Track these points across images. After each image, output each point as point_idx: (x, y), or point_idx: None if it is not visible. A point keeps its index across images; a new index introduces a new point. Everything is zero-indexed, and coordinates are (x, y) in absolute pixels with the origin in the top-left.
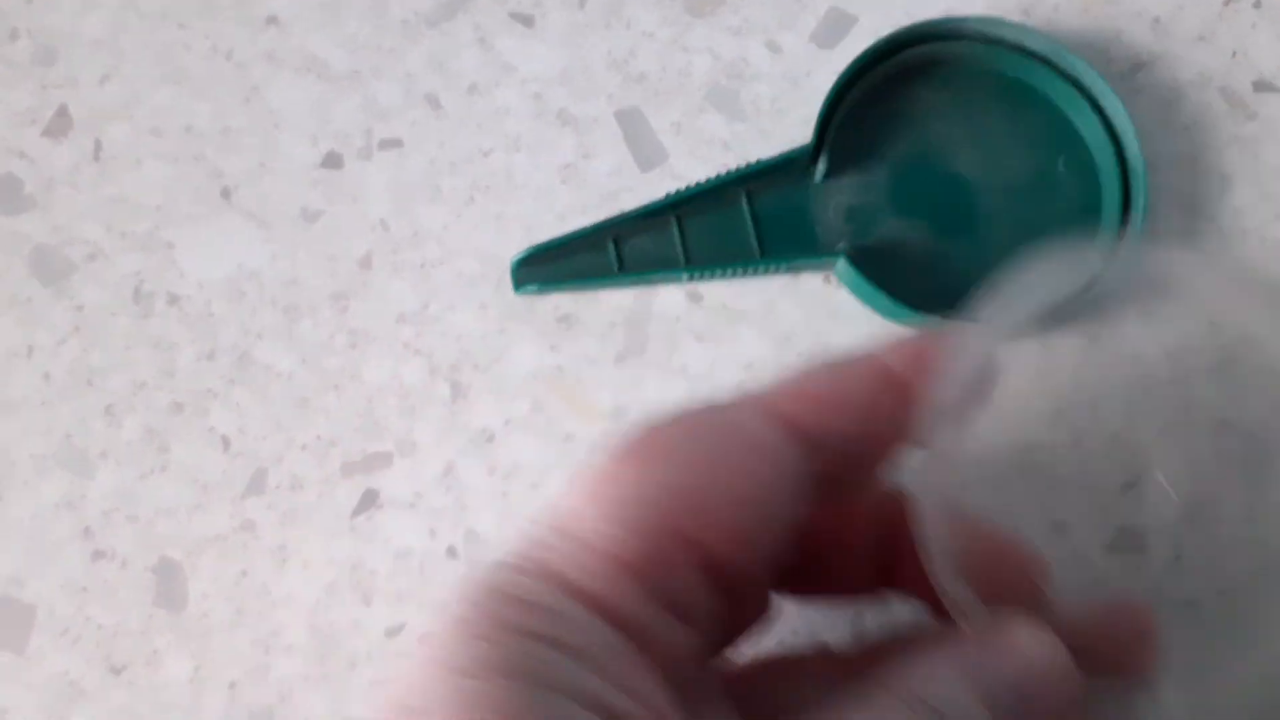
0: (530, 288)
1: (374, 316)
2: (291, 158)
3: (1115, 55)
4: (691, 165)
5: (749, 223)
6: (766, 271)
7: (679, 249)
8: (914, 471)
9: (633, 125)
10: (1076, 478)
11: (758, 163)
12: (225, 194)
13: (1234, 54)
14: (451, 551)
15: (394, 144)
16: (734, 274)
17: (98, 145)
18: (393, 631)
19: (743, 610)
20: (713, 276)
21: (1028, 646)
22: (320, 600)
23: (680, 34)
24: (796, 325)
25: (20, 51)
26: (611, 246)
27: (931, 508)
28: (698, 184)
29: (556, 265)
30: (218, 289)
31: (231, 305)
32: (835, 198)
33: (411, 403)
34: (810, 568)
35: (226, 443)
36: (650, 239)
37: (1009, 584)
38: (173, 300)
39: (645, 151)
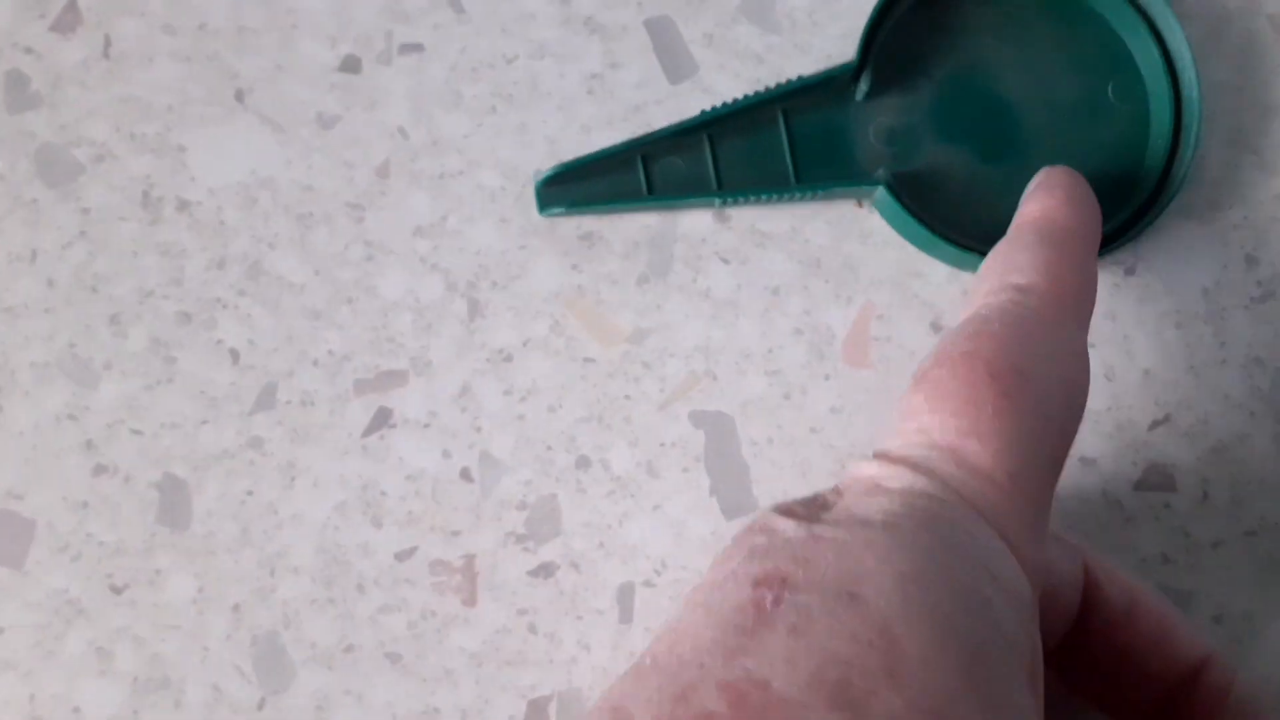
0: (556, 209)
1: (390, 228)
2: (308, 60)
3: None
4: (723, 79)
5: (785, 145)
6: (802, 198)
7: (711, 172)
8: None
9: (663, 35)
10: (1106, 412)
11: (797, 80)
12: (239, 96)
13: None
14: (465, 474)
15: (414, 48)
16: (768, 200)
17: (107, 41)
18: (402, 555)
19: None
20: (746, 202)
21: None
22: (329, 521)
23: None
24: (826, 249)
25: None
26: (640, 167)
27: None
28: (733, 101)
29: (583, 186)
30: (229, 195)
31: (243, 212)
32: (876, 119)
33: (428, 319)
34: (1103, 678)
35: (235, 356)
36: (681, 160)
37: None
38: (182, 206)
39: (675, 63)
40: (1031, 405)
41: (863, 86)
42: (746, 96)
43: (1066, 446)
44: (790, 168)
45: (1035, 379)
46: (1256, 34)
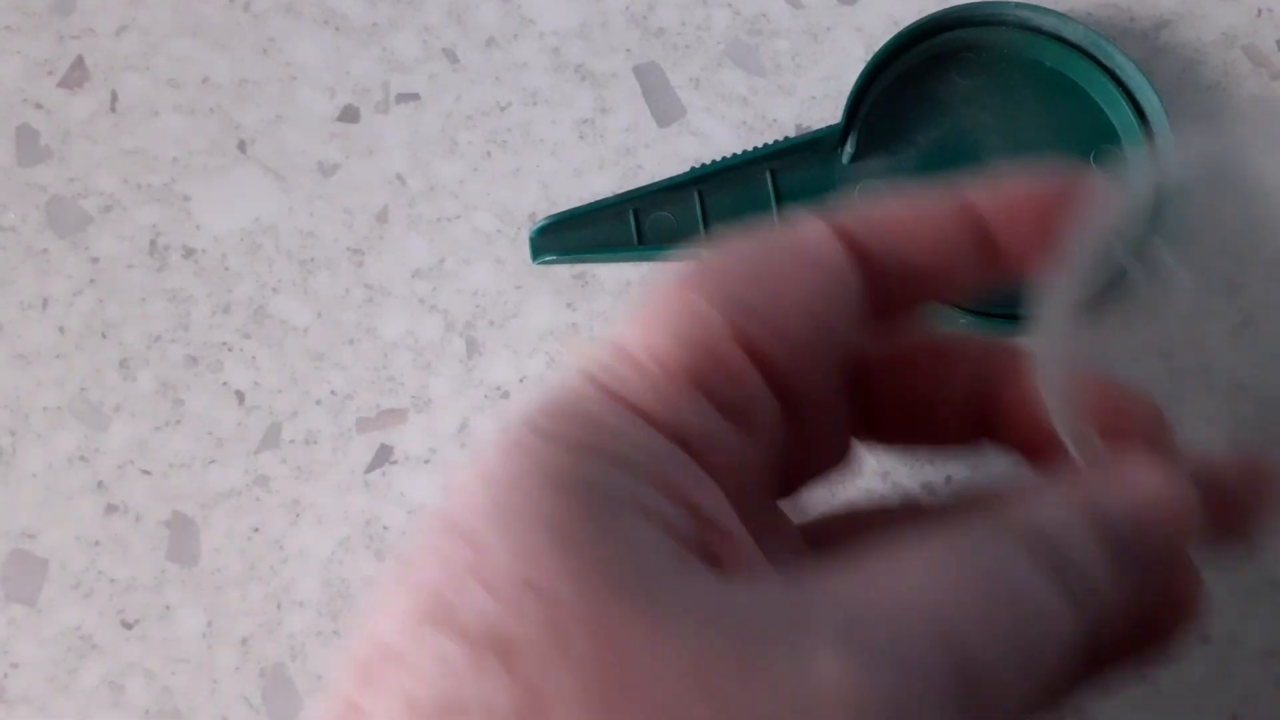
0: (548, 257)
1: (390, 271)
2: (308, 110)
3: (1139, 13)
4: (710, 121)
5: (772, 201)
6: None
7: (700, 224)
8: (1034, 316)
9: (651, 80)
10: None
11: (785, 140)
12: (242, 146)
13: (1259, 12)
14: None
15: (411, 98)
16: None
17: (114, 96)
18: None
19: (812, 439)
20: None
21: (1148, 478)
22: (333, 556)
23: None
24: None
25: (37, 1)
26: (632, 218)
27: (1050, 351)
28: (723, 159)
29: (575, 235)
30: (233, 242)
31: (247, 258)
32: (862, 180)
33: (427, 358)
34: (905, 418)
35: (241, 397)
36: (671, 212)
37: (1128, 432)
38: (188, 253)
39: (663, 107)
40: (703, 291)
41: (848, 149)
42: (736, 155)
43: (751, 326)
44: (777, 221)
45: (716, 270)
46: (1233, 65)
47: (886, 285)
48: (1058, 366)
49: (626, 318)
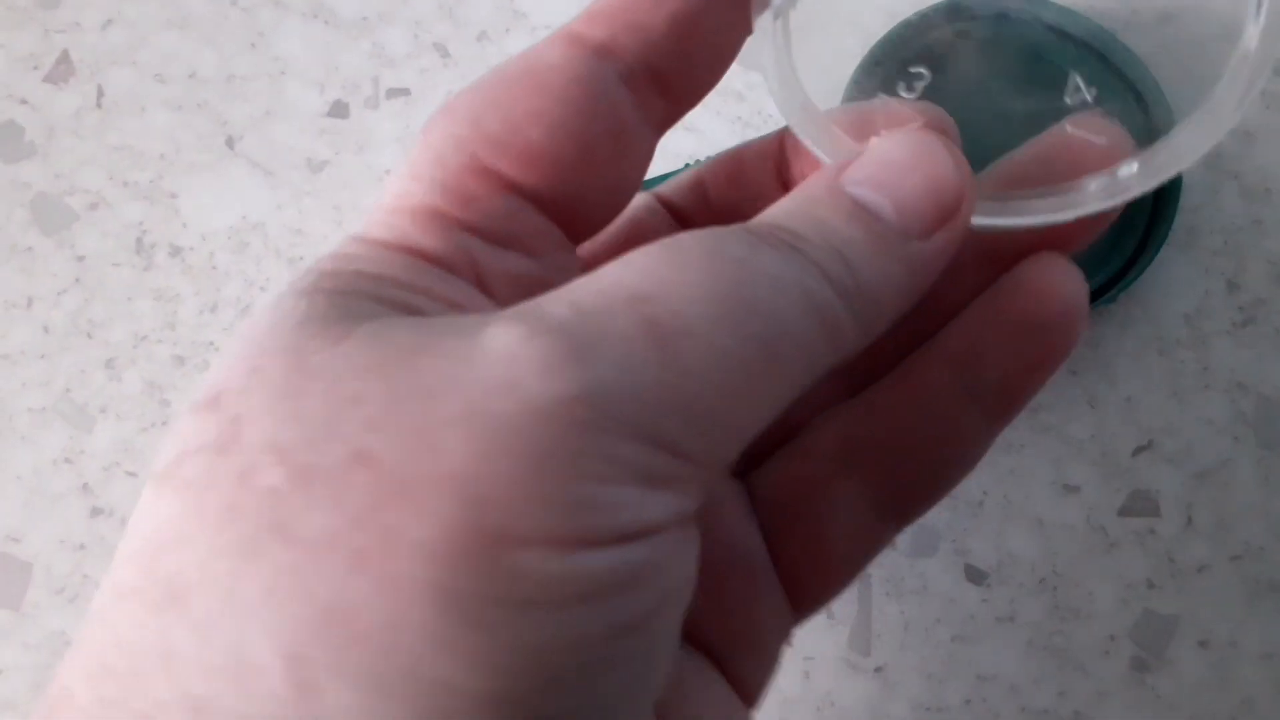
0: None
1: None
2: (297, 106)
3: (1140, 6)
4: (705, 116)
5: None
6: None
7: None
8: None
9: None
10: (1090, 439)
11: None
12: (230, 143)
13: (1260, 5)
14: None
15: (401, 93)
16: None
17: (100, 91)
18: None
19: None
20: None
21: (885, 142)
22: None
23: None
24: None
25: None
26: None
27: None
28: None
29: None
30: (221, 240)
31: (235, 256)
32: None
33: None
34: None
35: None
36: None
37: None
38: (175, 251)
39: None
40: (441, 127)
41: None
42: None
43: (494, 146)
44: None
45: (455, 105)
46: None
47: (645, 71)
48: (787, 91)
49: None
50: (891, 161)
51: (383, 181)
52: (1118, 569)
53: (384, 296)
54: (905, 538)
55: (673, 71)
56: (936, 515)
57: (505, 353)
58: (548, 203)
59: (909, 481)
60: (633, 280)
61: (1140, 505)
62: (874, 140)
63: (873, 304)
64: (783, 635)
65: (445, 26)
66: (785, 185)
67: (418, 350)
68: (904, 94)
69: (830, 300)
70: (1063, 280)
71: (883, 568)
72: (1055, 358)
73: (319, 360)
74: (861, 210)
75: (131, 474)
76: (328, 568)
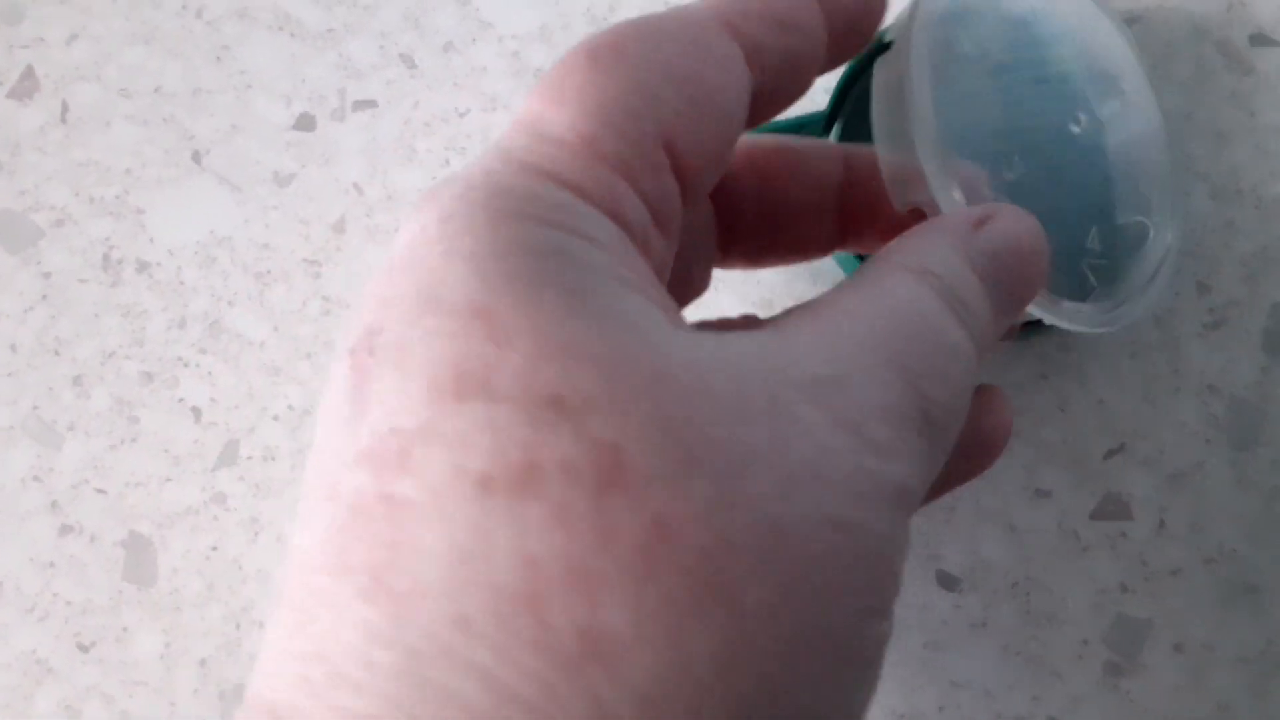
0: None
1: (347, 282)
2: (264, 119)
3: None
4: None
5: None
6: None
7: None
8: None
9: None
10: (1062, 443)
11: (769, 124)
12: (196, 157)
13: (1231, 6)
14: None
15: (368, 105)
16: None
17: (64, 107)
18: None
19: (691, 257)
20: None
21: (1010, 217)
22: None
23: None
24: (777, 290)
25: None
26: None
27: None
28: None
29: None
30: (188, 255)
31: (202, 272)
32: None
33: None
34: (764, 226)
35: (197, 413)
36: None
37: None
38: (142, 267)
39: None
40: (625, 76)
41: (833, 137)
42: None
43: (671, 122)
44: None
45: (634, 55)
46: (1205, 60)
47: (765, 81)
48: (926, 127)
49: (538, 94)
50: (1019, 243)
51: (356, 189)
52: (1090, 573)
53: (618, 276)
54: None
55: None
56: None
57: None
58: (691, 193)
59: None
60: (882, 338)
61: (1112, 509)
62: (1003, 209)
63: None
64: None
65: (411, 37)
66: (845, 201)
67: (735, 413)
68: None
69: (973, 367)
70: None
71: None
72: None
73: (684, 375)
74: (994, 287)
75: (101, 491)
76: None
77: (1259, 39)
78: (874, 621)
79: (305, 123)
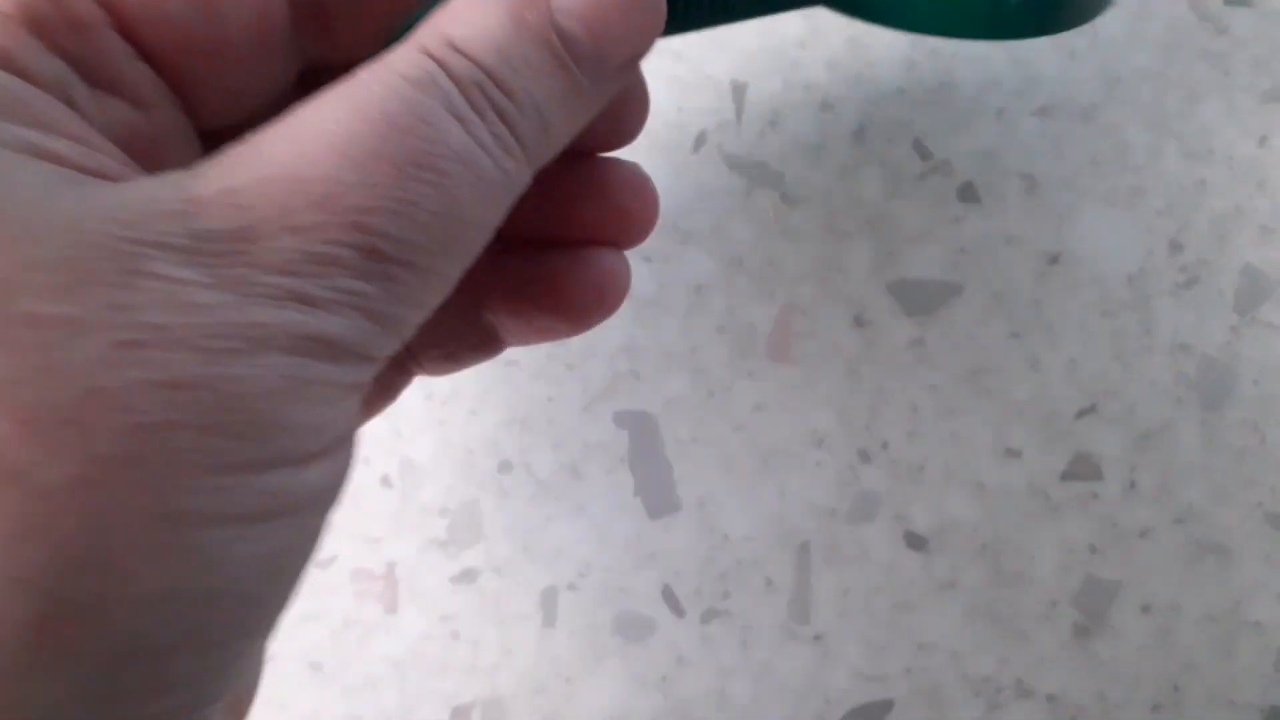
0: None
1: None
2: None
3: None
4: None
5: None
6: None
7: None
8: None
9: None
10: (1031, 402)
11: None
12: None
13: None
14: (385, 481)
15: None
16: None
17: None
18: (323, 564)
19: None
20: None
21: None
22: None
23: None
24: (747, 246)
25: None
26: None
27: None
28: None
29: None
30: None
31: None
32: None
33: None
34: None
35: None
36: None
37: None
38: None
39: None
40: None
41: None
42: None
43: None
44: None
45: None
46: (1179, 19)
47: None
48: None
49: None
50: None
51: None
52: (1059, 534)
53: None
54: (844, 503)
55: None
56: (876, 480)
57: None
58: (163, 65)
59: None
60: (307, 173)
61: (1082, 469)
62: None
63: (547, 144)
64: None
65: None
66: None
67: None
68: None
69: (503, 168)
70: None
71: (821, 534)
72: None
73: None
74: (565, 56)
75: None
76: None
77: (1234, 0)
78: (249, 475)
79: None
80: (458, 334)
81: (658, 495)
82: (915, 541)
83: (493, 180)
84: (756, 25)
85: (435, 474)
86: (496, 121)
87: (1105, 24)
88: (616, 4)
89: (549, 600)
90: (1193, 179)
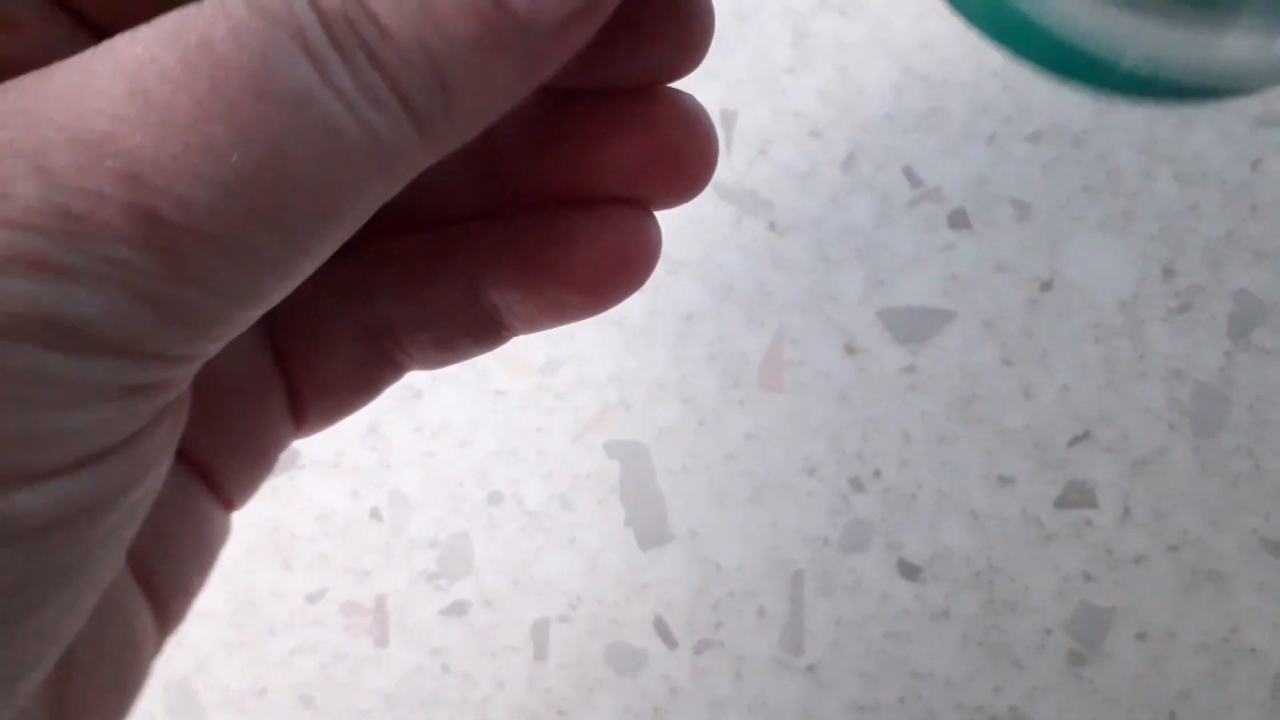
0: None
1: None
2: None
3: None
4: None
5: None
6: None
7: None
8: None
9: None
10: (1025, 430)
11: None
12: None
13: None
14: (375, 513)
15: None
16: None
17: None
18: (314, 597)
19: None
20: None
21: None
22: (238, 564)
23: None
24: (738, 274)
25: None
26: None
27: None
28: None
29: None
30: None
31: None
32: None
33: None
34: None
35: None
36: None
37: None
38: None
39: None
40: None
41: None
42: None
43: None
44: None
45: None
46: None
47: None
48: None
49: None
50: None
51: None
52: (1054, 561)
53: None
54: (837, 532)
55: None
56: (869, 509)
57: None
58: None
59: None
60: (85, 105)
61: (1076, 496)
62: None
63: (446, 108)
64: (281, 446)
65: None
66: None
67: None
68: None
69: (369, 127)
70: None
71: (814, 563)
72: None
73: None
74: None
75: None
76: None
77: None
78: None
79: None
80: (452, 316)
81: (649, 525)
82: (909, 570)
83: (352, 140)
84: (746, 53)
85: (425, 506)
86: (366, 66)
87: None
88: None
89: (540, 632)
90: (1185, 204)
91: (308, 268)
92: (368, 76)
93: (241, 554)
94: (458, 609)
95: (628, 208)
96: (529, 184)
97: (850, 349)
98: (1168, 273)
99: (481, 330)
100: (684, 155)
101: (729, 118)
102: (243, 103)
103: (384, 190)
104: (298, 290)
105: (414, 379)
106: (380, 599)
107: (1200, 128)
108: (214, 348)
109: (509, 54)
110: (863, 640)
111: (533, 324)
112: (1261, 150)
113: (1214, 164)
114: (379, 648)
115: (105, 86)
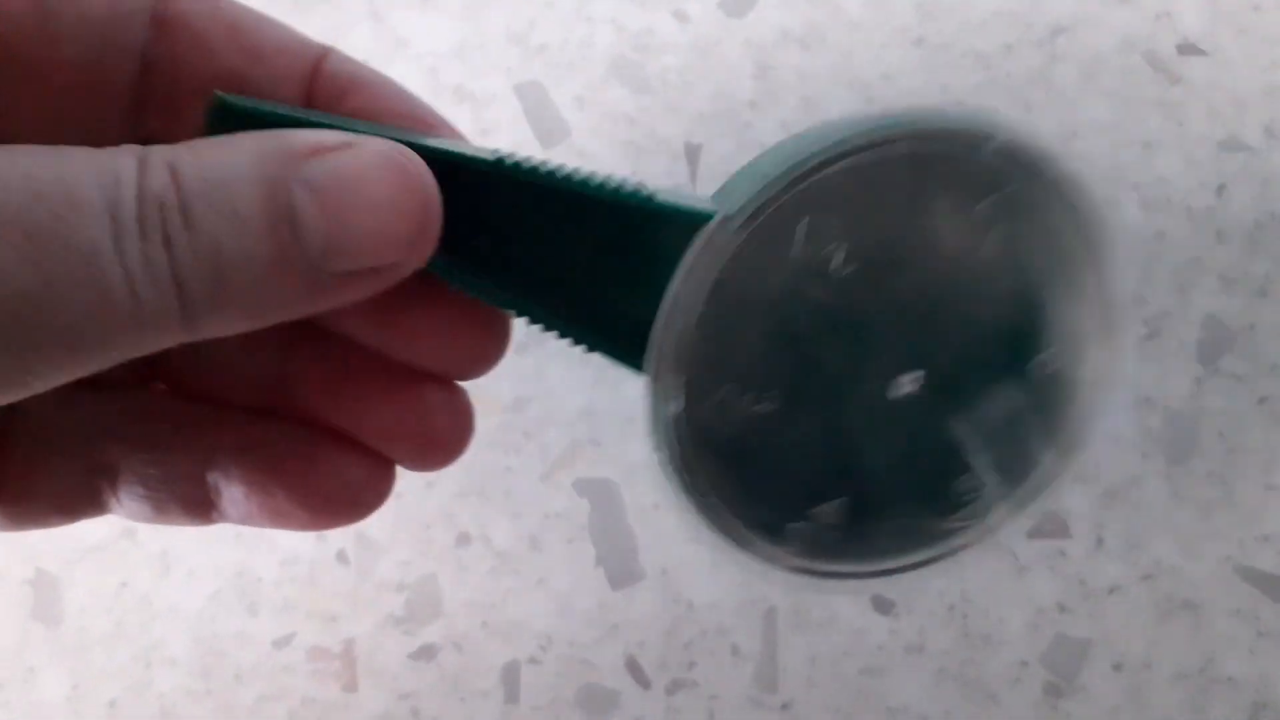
0: None
1: None
2: None
3: (1034, 20)
4: (595, 142)
5: None
6: None
7: None
8: None
9: (533, 99)
10: None
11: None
12: None
13: (1158, 16)
14: (341, 557)
15: None
16: None
17: None
18: (280, 643)
19: None
20: None
21: (362, 158)
22: (204, 610)
23: (583, 3)
24: None
25: None
26: None
27: None
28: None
29: None
30: None
31: None
32: None
33: None
34: None
35: None
36: None
37: None
38: None
39: (547, 127)
40: None
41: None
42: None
43: None
44: None
45: None
46: (1133, 69)
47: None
48: None
49: None
50: (361, 181)
51: None
52: (1028, 593)
53: None
54: None
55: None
56: None
57: None
58: None
59: None
60: None
61: (1050, 527)
62: (360, 141)
63: (215, 301)
64: None
65: None
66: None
67: None
68: None
69: (137, 296)
70: None
71: (788, 599)
72: None
73: None
74: (290, 225)
75: None
76: None
77: (1186, 48)
78: None
79: None
80: (173, 483)
81: (620, 564)
82: (882, 605)
83: (117, 304)
84: (709, 87)
85: (392, 549)
86: (158, 246)
87: (1059, 76)
88: (371, 197)
89: (510, 675)
90: (1152, 230)
91: (36, 387)
92: (155, 254)
93: (206, 599)
94: (427, 653)
95: (373, 456)
96: (301, 400)
97: None
98: (1136, 300)
99: (195, 505)
100: (443, 438)
101: (693, 151)
102: (31, 241)
103: (130, 351)
104: (43, 399)
105: None
106: (348, 643)
107: (1165, 153)
108: None
109: (292, 278)
110: (838, 677)
111: (246, 518)
112: (1225, 175)
113: (1179, 190)
114: (347, 693)
115: None
